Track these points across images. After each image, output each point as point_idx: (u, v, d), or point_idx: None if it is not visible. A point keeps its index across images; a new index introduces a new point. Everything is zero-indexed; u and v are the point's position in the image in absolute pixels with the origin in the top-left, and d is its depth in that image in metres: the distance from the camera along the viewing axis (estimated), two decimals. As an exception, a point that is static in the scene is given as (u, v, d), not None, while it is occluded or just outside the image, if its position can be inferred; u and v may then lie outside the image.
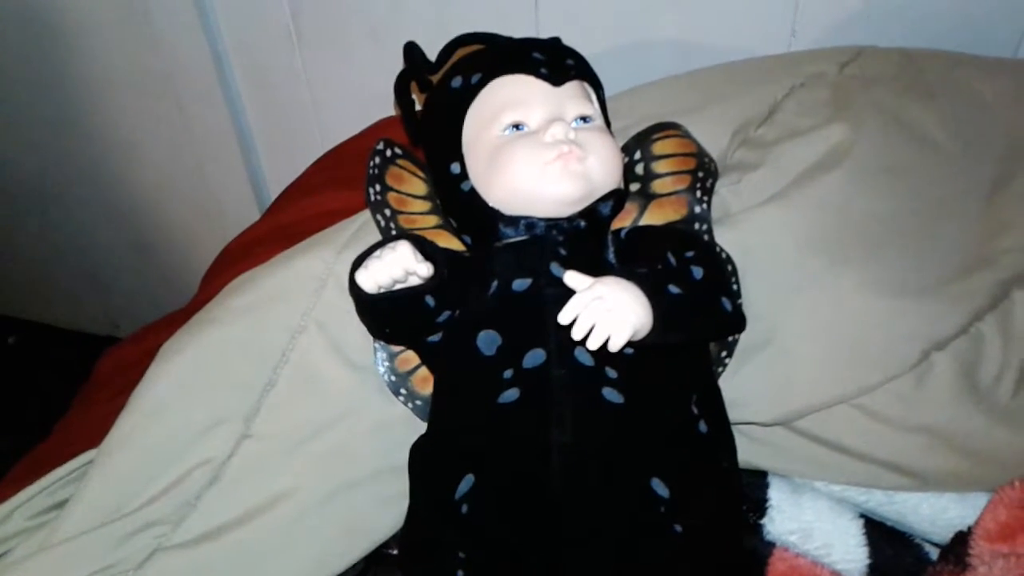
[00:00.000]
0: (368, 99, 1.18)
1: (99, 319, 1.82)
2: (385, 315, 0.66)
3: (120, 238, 1.61)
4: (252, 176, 1.41)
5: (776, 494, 0.72)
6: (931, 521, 0.70)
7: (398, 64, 0.75)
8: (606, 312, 0.56)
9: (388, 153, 0.74)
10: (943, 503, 0.70)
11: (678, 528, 0.60)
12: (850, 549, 0.70)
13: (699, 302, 0.63)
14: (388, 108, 1.03)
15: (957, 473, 0.69)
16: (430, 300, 0.63)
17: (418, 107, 0.75)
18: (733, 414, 0.68)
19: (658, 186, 0.73)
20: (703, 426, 0.63)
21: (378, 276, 0.62)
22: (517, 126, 0.66)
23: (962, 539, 0.66)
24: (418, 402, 0.71)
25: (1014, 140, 0.80)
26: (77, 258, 1.70)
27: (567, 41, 0.74)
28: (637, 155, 0.74)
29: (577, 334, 0.56)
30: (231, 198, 1.44)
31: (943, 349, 0.69)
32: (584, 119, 0.68)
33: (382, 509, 0.69)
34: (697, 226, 0.71)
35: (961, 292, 0.70)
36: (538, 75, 0.67)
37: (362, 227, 0.76)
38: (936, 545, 0.70)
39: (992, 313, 0.70)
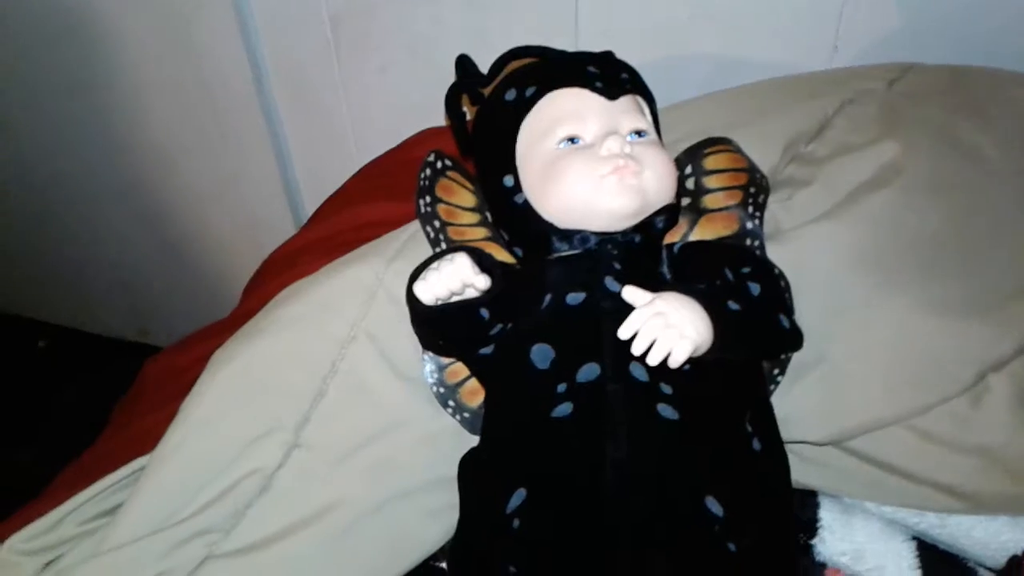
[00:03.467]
0: (404, 111, 1.19)
1: (129, 324, 1.83)
2: (441, 327, 0.66)
3: (152, 244, 1.62)
4: (287, 186, 1.42)
5: (827, 514, 0.72)
6: (984, 545, 0.69)
7: (435, 77, 0.75)
8: (667, 328, 0.56)
9: (439, 165, 0.74)
10: (996, 526, 0.69)
11: (732, 547, 0.58)
12: (903, 571, 0.69)
13: (758, 318, 0.62)
14: (426, 121, 1.04)
15: (1012, 496, 0.68)
16: (484, 312, 0.63)
17: (468, 119, 0.75)
18: (785, 433, 0.67)
19: (709, 201, 0.72)
20: (757, 444, 0.63)
21: (436, 288, 0.62)
22: (572, 139, 0.66)
23: (1017, 564, 0.66)
24: (466, 414, 0.71)
25: (1066, 159, 0.79)
26: (109, 263, 1.71)
27: (607, 55, 0.74)
28: (688, 169, 0.74)
29: (637, 349, 0.56)
30: (265, 207, 1.45)
31: (999, 371, 0.69)
32: (639, 133, 0.67)
33: (430, 521, 0.69)
34: (748, 242, 0.71)
35: (1017, 313, 0.70)
36: (593, 89, 0.67)
37: (412, 238, 0.76)
38: (990, 569, 0.70)
39: (1049, 335, 0.69)
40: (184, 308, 1.66)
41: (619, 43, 0.84)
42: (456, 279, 0.62)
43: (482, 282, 0.62)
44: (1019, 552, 0.67)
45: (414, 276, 0.64)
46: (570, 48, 0.75)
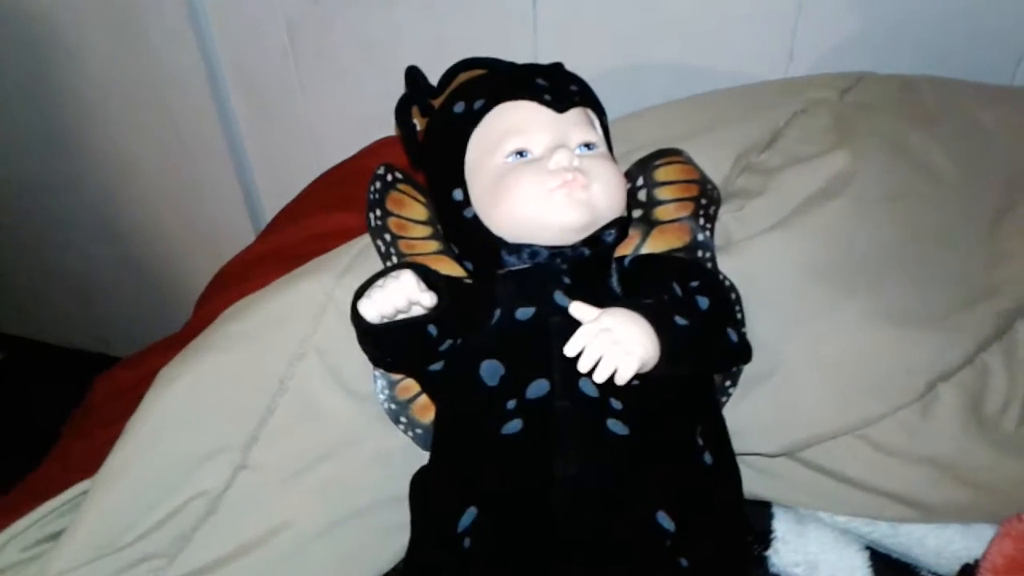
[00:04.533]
0: (365, 119, 1.17)
1: (90, 336, 1.80)
2: (387, 345, 0.65)
3: (112, 255, 1.60)
4: (247, 194, 1.40)
5: (781, 525, 0.72)
6: (936, 553, 0.69)
7: (394, 85, 0.74)
8: (613, 344, 0.55)
9: (389, 178, 0.73)
10: (948, 535, 0.69)
11: (684, 563, 0.58)
12: (855, 582, 0.69)
13: (706, 333, 0.62)
14: (384, 128, 1.03)
15: (963, 505, 0.68)
16: (432, 329, 0.63)
17: (419, 131, 0.74)
18: (737, 444, 0.67)
19: (661, 213, 0.72)
20: (708, 457, 0.63)
21: (381, 306, 0.61)
22: (521, 153, 0.66)
23: (968, 573, 0.66)
24: (418, 431, 0.70)
25: (1015, 169, 0.80)
26: (68, 274, 1.69)
27: (564, 64, 0.73)
28: (640, 181, 0.74)
29: (583, 366, 0.55)
30: (225, 216, 1.43)
31: (948, 380, 0.69)
32: (588, 146, 0.67)
33: (382, 540, 0.68)
34: (700, 253, 0.71)
35: (966, 323, 0.70)
36: (542, 101, 0.67)
37: (362, 252, 0.75)
38: (941, 578, 0.70)
39: (997, 344, 0.70)
40: (145, 318, 1.64)
41: (577, 51, 0.84)
42: (401, 296, 0.61)
43: (428, 299, 0.62)
44: (971, 561, 0.67)
45: (359, 294, 0.63)
46: (528, 57, 0.74)
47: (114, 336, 1.77)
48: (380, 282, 0.63)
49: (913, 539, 0.70)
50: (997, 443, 0.68)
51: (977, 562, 0.66)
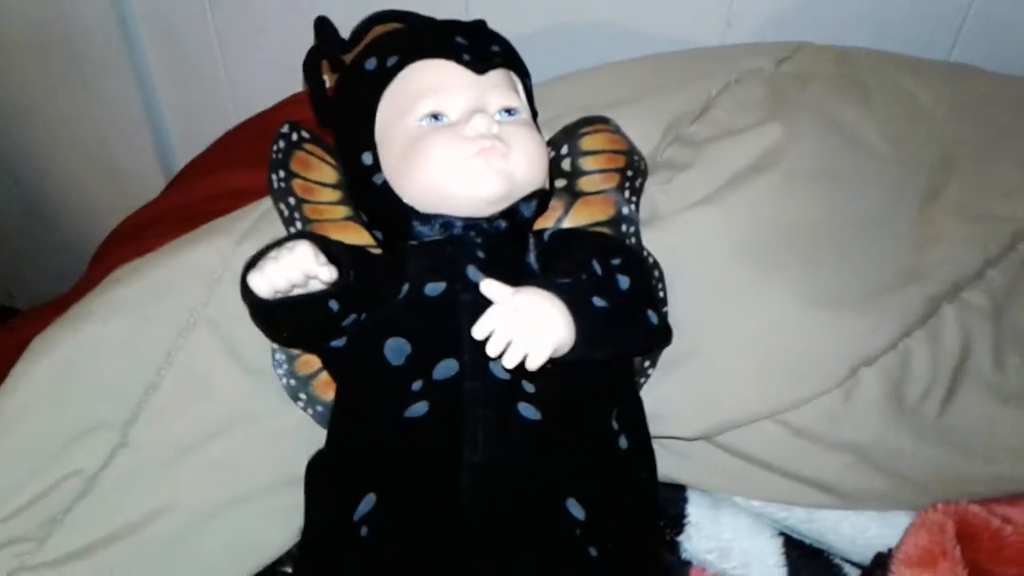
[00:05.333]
0: (285, 70, 1.11)
1: None
2: (283, 321, 0.60)
3: (17, 205, 1.51)
4: (158, 145, 1.33)
5: (695, 510, 0.70)
6: (851, 540, 0.68)
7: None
8: (525, 327, 0.51)
9: (294, 137, 0.68)
10: (864, 522, 0.69)
11: (593, 552, 0.56)
12: (768, 569, 0.68)
13: (624, 316, 0.59)
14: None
15: (880, 492, 0.67)
16: (334, 304, 0.58)
17: (328, 88, 0.69)
18: (654, 428, 0.65)
19: (585, 184, 0.69)
20: (623, 442, 0.60)
21: (274, 280, 0.56)
22: (436, 116, 0.61)
23: (882, 562, 0.65)
24: (319, 408, 0.66)
25: (947, 148, 0.78)
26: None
27: (495, 22, 0.69)
28: (564, 150, 0.70)
29: (492, 351, 0.51)
30: (136, 167, 1.36)
31: (871, 365, 0.67)
32: (509, 111, 0.63)
33: (275, 524, 0.64)
34: (624, 227, 0.67)
35: (892, 306, 0.68)
36: (460, 61, 0.62)
37: (263, 216, 0.70)
38: (856, 565, 0.69)
39: (922, 328, 0.68)
40: (51, 271, 1.56)
41: (509, 9, 0.80)
42: (296, 270, 0.56)
43: (326, 274, 0.57)
44: (885, 549, 0.66)
45: (249, 266, 0.58)
46: (458, 14, 0.70)
47: (18, 288, 1.69)
48: (274, 254, 0.57)
49: (828, 526, 0.69)
50: (917, 430, 0.66)
51: (890, 551, 0.65)
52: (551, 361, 0.53)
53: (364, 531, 0.56)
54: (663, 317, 0.63)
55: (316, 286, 0.57)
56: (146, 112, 1.29)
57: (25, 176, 1.47)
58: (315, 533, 0.60)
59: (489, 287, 0.54)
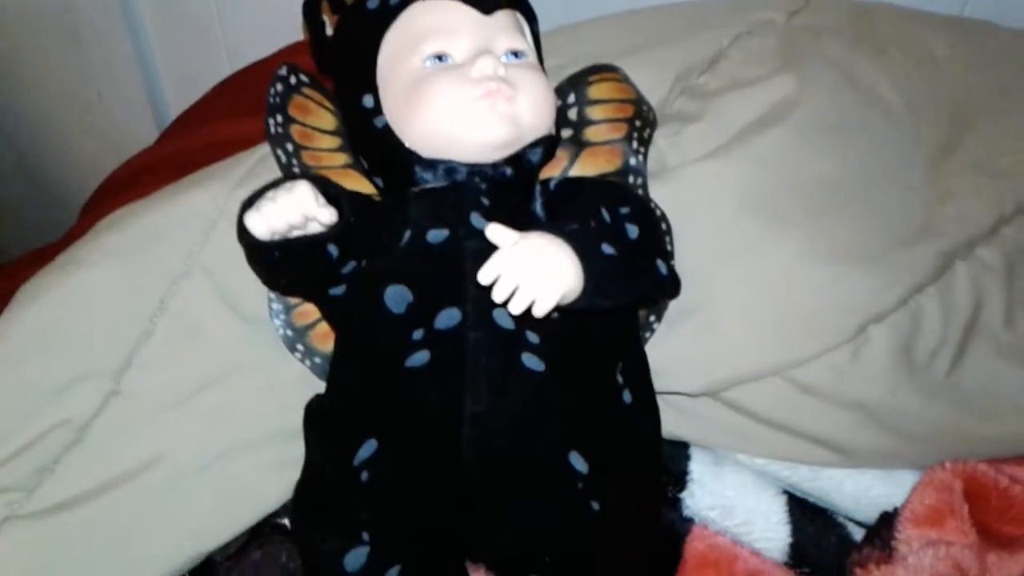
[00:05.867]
0: (282, 19, 1.09)
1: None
2: (280, 265, 0.58)
3: (8, 162, 1.49)
4: (152, 99, 1.31)
5: (698, 467, 0.69)
6: (855, 499, 0.68)
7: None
8: (532, 272, 0.50)
9: (292, 80, 0.65)
10: (868, 481, 0.68)
11: (595, 506, 0.56)
12: (771, 527, 0.67)
13: (633, 264, 0.57)
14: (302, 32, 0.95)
15: (887, 451, 0.66)
16: (333, 249, 0.56)
17: (329, 31, 0.67)
18: (659, 383, 0.64)
19: (592, 134, 0.67)
20: (627, 396, 0.59)
21: (272, 220, 0.54)
22: (440, 57, 0.59)
23: (888, 521, 0.64)
24: (317, 360, 0.64)
25: (962, 103, 0.77)
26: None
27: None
28: (571, 99, 0.68)
29: (498, 296, 0.50)
30: (130, 123, 1.34)
31: (881, 322, 0.66)
32: (516, 54, 0.61)
33: (271, 477, 0.62)
34: (632, 179, 0.66)
35: (904, 262, 0.67)
36: (466, 1, 0.60)
37: (260, 162, 0.68)
38: (860, 524, 0.68)
39: (934, 285, 0.67)
40: (45, 228, 1.54)
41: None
42: (295, 211, 0.54)
43: (326, 215, 0.55)
44: (890, 508, 0.65)
45: (246, 205, 0.56)
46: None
47: (11, 246, 1.67)
48: (271, 194, 0.55)
49: (832, 484, 0.68)
50: (926, 389, 0.66)
51: (896, 510, 0.64)
52: (558, 309, 0.51)
53: (364, 476, 0.55)
54: (672, 268, 0.61)
55: (315, 229, 0.56)
56: (139, 64, 1.27)
57: (16, 131, 1.45)
58: (313, 474, 0.59)
59: (495, 232, 0.52)
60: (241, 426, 0.63)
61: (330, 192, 0.57)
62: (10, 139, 1.45)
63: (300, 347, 0.64)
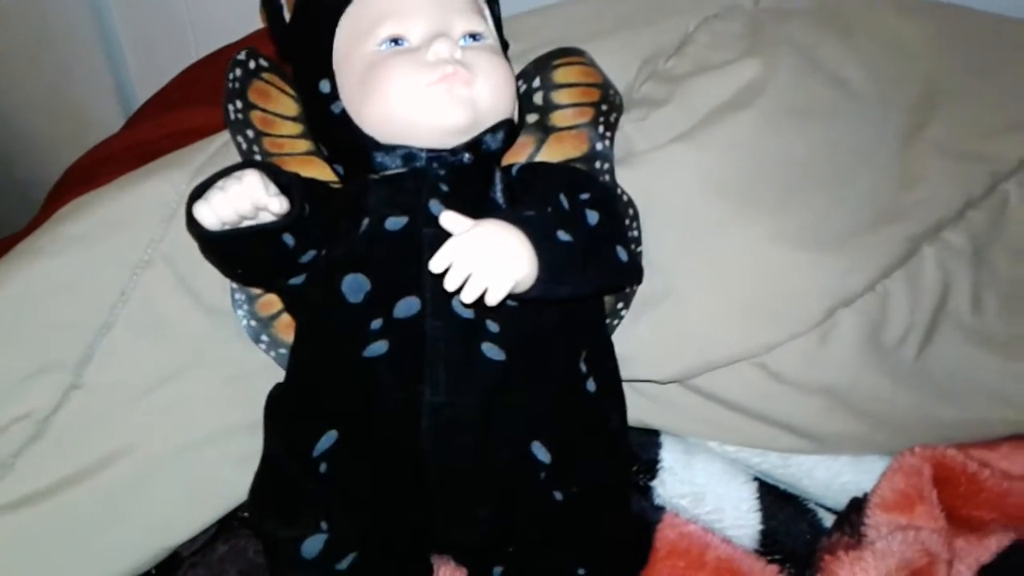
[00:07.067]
0: (250, 5, 1.06)
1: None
2: (233, 255, 0.58)
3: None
4: (118, 84, 1.28)
5: (668, 455, 0.69)
6: (825, 485, 0.68)
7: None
8: (484, 260, 0.49)
9: (252, 65, 0.64)
10: (838, 467, 0.68)
11: (558, 496, 0.56)
12: (742, 514, 0.67)
13: (591, 251, 0.56)
14: (272, 17, 0.94)
15: (856, 436, 0.67)
16: (288, 239, 0.55)
17: (287, 15, 0.66)
18: (627, 371, 0.64)
19: (558, 118, 0.66)
20: (591, 385, 0.59)
21: (220, 210, 0.53)
22: (396, 40, 0.58)
23: (857, 506, 0.64)
24: (281, 350, 0.63)
25: (929, 86, 0.76)
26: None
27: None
28: (536, 83, 0.67)
29: (450, 285, 0.49)
30: (96, 110, 1.31)
31: (849, 306, 0.66)
32: (474, 36, 0.60)
33: (237, 469, 0.61)
34: (598, 164, 0.65)
35: (872, 246, 0.67)
36: None
37: (221, 149, 0.66)
38: (830, 510, 0.69)
39: (902, 270, 0.67)
40: (9, 218, 1.52)
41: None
42: (244, 201, 0.53)
43: (276, 205, 0.54)
44: (860, 494, 0.65)
45: (195, 195, 0.55)
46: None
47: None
48: (221, 183, 0.54)
49: (802, 471, 0.68)
50: (895, 373, 0.66)
51: (866, 495, 0.64)
52: (513, 297, 0.51)
53: (323, 467, 0.55)
54: (633, 255, 0.61)
55: (267, 218, 0.55)
56: (103, 48, 1.24)
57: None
58: (272, 464, 0.59)
59: (448, 219, 0.52)
60: (206, 418, 0.62)
61: (282, 181, 0.56)
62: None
63: (265, 338, 0.63)
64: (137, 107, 1.25)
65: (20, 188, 1.46)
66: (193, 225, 0.54)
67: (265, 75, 0.65)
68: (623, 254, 0.58)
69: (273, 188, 0.54)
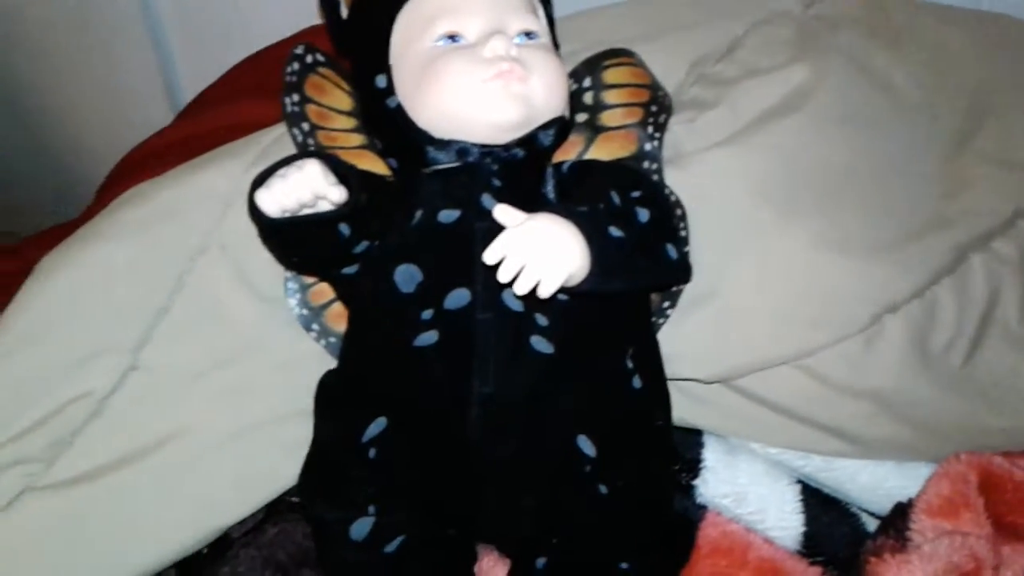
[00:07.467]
0: (299, 1, 1.09)
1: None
2: (291, 243, 0.59)
3: (16, 141, 1.49)
4: (167, 82, 1.30)
5: (711, 455, 0.68)
6: (870, 490, 0.67)
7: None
8: (538, 253, 0.50)
9: (309, 59, 0.66)
10: (883, 472, 0.67)
11: (603, 489, 0.56)
12: (785, 516, 0.66)
13: (642, 247, 0.57)
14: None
15: (901, 442, 0.66)
16: (345, 228, 0.56)
17: (344, 11, 0.67)
18: (672, 369, 0.64)
19: (607, 118, 0.66)
20: (637, 381, 0.59)
21: (281, 198, 0.54)
22: (452, 37, 0.59)
23: (902, 512, 0.64)
24: (332, 339, 0.64)
25: (976, 95, 0.76)
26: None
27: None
28: (587, 82, 0.67)
29: (504, 276, 0.50)
30: (143, 104, 1.33)
31: (896, 312, 0.66)
32: (528, 35, 0.61)
33: (286, 456, 0.62)
34: (647, 164, 0.65)
35: (918, 253, 0.67)
36: None
37: (277, 141, 0.68)
38: (873, 515, 0.68)
39: (949, 277, 0.67)
40: (56, 213, 1.54)
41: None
42: (305, 189, 0.54)
43: (336, 194, 0.55)
44: (904, 499, 0.65)
45: (257, 182, 0.56)
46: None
47: (23, 229, 1.67)
48: (282, 171, 0.56)
49: (846, 475, 0.68)
50: (940, 380, 0.65)
51: (911, 501, 0.64)
52: (564, 291, 0.52)
53: (372, 453, 0.56)
54: (683, 254, 0.61)
55: (325, 207, 0.56)
56: (152, 44, 1.26)
57: (29, 114, 1.44)
58: (322, 449, 0.60)
59: (502, 212, 0.52)
60: (258, 404, 0.63)
61: (340, 171, 0.57)
62: (23, 122, 1.46)
63: (316, 326, 0.64)
64: (184, 103, 1.27)
65: (68, 182, 1.49)
66: (254, 212, 0.56)
67: (321, 69, 0.66)
68: (673, 252, 0.59)
69: (332, 178, 0.56)
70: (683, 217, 0.66)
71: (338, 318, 0.64)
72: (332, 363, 0.64)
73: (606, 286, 0.54)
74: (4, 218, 1.62)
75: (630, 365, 0.59)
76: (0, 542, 0.60)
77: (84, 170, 1.44)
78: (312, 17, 0.95)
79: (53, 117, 1.44)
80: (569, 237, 0.52)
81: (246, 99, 0.85)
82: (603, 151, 0.65)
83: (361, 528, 0.55)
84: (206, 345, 0.63)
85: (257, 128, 0.73)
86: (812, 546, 0.66)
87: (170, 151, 0.79)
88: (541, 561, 0.57)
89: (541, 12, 0.65)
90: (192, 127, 0.84)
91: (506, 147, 0.59)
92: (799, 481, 0.68)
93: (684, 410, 0.67)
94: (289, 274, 0.64)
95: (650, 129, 0.66)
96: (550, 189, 0.61)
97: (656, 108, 0.67)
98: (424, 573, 0.56)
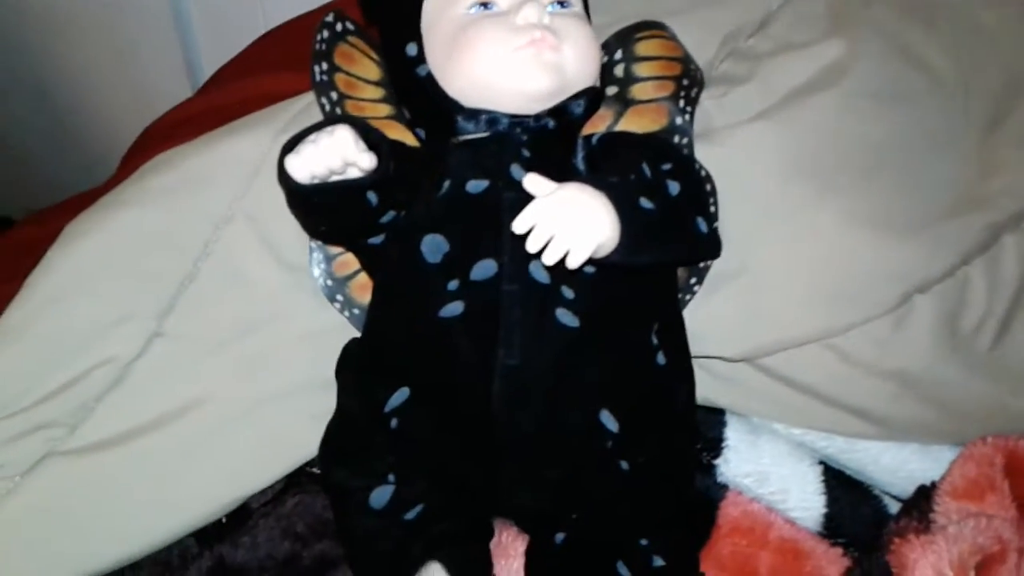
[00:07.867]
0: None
1: (14, 202, 1.69)
2: (319, 210, 0.58)
3: (41, 118, 1.49)
4: (187, 57, 1.30)
5: (733, 434, 0.68)
6: (892, 472, 0.67)
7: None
8: (567, 223, 0.49)
9: (339, 27, 0.65)
10: (905, 454, 0.67)
11: (624, 465, 0.56)
12: (807, 496, 0.66)
13: (673, 220, 0.56)
14: (341, -12, 0.94)
15: (926, 424, 0.66)
16: (372, 197, 0.56)
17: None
18: (697, 347, 0.63)
19: (638, 91, 0.65)
20: (662, 358, 0.59)
21: (312, 164, 0.54)
22: (485, 5, 0.58)
23: (926, 494, 0.63)
24: (355, 311, 0.64)
25: (1013, 74, 0.74)
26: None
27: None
28: (618, 55, 0.67)
29: (532, 246, 0.49)
30: (164, 80, 1.33)
31: (926, 292, 0.65)
32: (562, 3, 0.60)
33: (308, 425, 0.62)
34: (677, 139, 0.65)
35: (950, 233, 0.66)
36: None
37: (305, 110, 0.67)
38: (895, 497, 0.68)
39: (981, 258, 0.66)
40: (75, 185, 1.54)
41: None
42: (335, 155, 0.54)
43: (366, 161, 0.54)
44: (927, 482, 0.64)
45: (287, 148, 0.55)
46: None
47: (42, 203, 1.67)
48: (312, 137, 0.55)
49: (869, 456, 0.67)
50: (968, 362, 0.65)
51: (934, 483, 0.63)
52: (592, 262, 0.51)
53: (394, 422, 0.56)
54: (713, 228, 0.60)
55: (354, 174, 0.55)
56: (174, 19, 1.26)
57: (51, 91, 1.45)
58: (344, 417, 0.60)
59: (532, 181, 0.52)
60: (280, 374, 0.63)
61: (371, 139, 0.57)
62: (46, 95, 1.46)
63: (340, 297, 0.64)
64: (204, 77, 1.27)
65: (89, 154, 1.49)
66: (284, 177, 0.55)
67: (351, 38, 0.65)
68: (703, 225, 0.58)
69: (362, 144, 0.55)
70: (713, 192, 0.65)
71: (362, 289, 0.64)
72: (355, 334, 0.64)
73: (635, 258, 0.53)
74: (28, 196, 1.62)
75: (655, 341, 0.58)
76: (22, 505, 0.60)
77: (105, 148, 1.44)
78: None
79: (74, 95, 1.44)
80: (599, 207, 0.51)
81: (267, 72, 0.84)
82: (633, 124, 0.64)
83: (381, 496, 0.55)
84: (230, 314, 0.63)
85: (282, 98, 0.72)
86: (833, 527, 0.65)
87: (195, 121, 0.78)
88: (560, 536, 0.57)
89: (574, -20, 0.64)
90: (216, 98, 0.84)
91: (536, 117, 0.58)
92: (821, 462, 0.68)
93: (708, 389, 0.66)
94: (314, 244, 0.64)
95: (681, 103, 0.65)
96: (580, 161, 0.60)
97: (688, 82, 0.66)
98: (442, 541, 0.55)
